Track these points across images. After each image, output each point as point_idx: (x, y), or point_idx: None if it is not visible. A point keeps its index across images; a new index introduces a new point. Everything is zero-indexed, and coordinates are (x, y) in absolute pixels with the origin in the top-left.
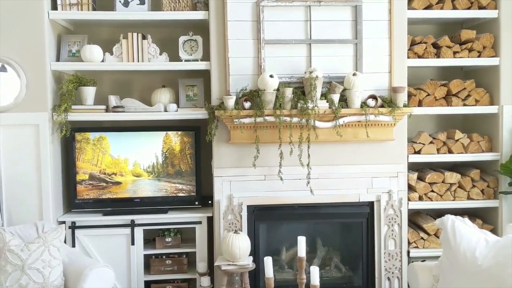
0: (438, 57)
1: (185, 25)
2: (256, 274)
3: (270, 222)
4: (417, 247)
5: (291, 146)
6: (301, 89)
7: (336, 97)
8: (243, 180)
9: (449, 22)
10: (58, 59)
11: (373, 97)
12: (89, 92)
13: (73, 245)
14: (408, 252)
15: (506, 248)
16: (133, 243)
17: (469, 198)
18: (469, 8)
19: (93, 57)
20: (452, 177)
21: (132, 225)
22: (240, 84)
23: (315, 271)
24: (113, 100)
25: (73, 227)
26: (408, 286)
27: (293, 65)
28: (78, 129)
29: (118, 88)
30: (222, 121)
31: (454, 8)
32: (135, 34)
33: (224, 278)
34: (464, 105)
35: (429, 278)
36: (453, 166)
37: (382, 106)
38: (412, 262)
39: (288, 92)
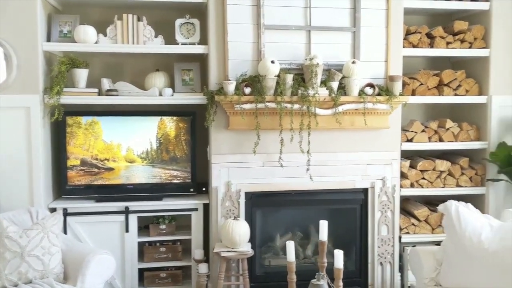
0: (432, 47)
1: (180, 8)
2: (253, 260)
3: (266, 209)
4: (408, 232)
5: (291, 133)
6: (301, 75)
7: (335, 85)
8: (241, 167)
9: (440, 13)
10: (48, 40)
11: (371, 85)
12: (81, 75)
13: (65, 232)
14: (400, 238)
15: None
16: (127, 230)
17: (458, 185)
18: (461, 0)
19: (87, 38)
20: (443, 164)
21: (127, 212)
22: (239, 69)
23: (339, 254)
24: (106, 83)
25: (65, 213)
26: (400, 270)
27: (292, 51)
28: (69, 113)
29: (109, 71)
30: (221, 107)
31: None
32: (130, 16)
33: (223, 264)
34: (455, 94)
35: (433, 262)
36: (442, 154)
37: (379, 95)
38: (404, 247)
39: (289, 78)
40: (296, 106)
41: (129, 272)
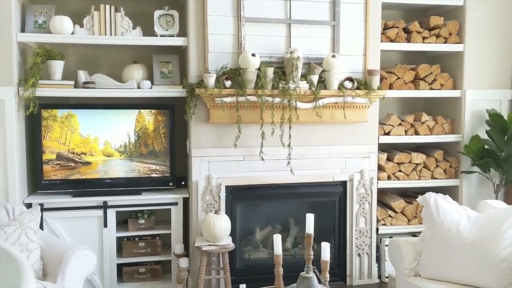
0: (409, 41)
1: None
2: (233, 254)
3: (247, 202)
4: (385, 224)
5: (272, 127)
6: (281, 69)
7: (315, 78)
8: (222, 161)
9: (416, 8)
10: (23, 30)
11: (350, 79)
12: (57, 66)
13: (41, 228)
14: (377, 229)
15: (489, 223)
16: (105, 225)
17: (433, 177)
18: None
19: (64, 29)
20: (418, 157)
21: (105, 206)
22: (219, 62)
23: (326, 247)
24: (83, 75)
25: (41, 209)
26: (377, 261)
27: (273, 44)
28: (45, 106)
29: (86, 63)
30: (202, 100)
31: None
32: (107, 6)
33: (204, 258)
34: (431, 88)
35: (412, 252)
36: (417, 147)
37: (358, 88)
38: (381, 239)
39: (270, 71)
40: (277, 99)
41: (107, 267)
